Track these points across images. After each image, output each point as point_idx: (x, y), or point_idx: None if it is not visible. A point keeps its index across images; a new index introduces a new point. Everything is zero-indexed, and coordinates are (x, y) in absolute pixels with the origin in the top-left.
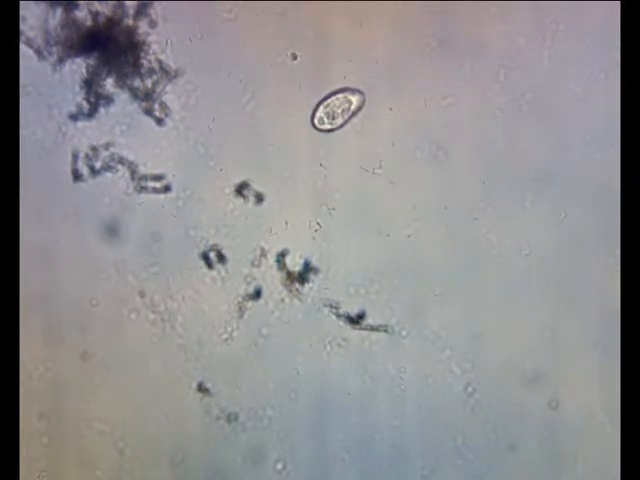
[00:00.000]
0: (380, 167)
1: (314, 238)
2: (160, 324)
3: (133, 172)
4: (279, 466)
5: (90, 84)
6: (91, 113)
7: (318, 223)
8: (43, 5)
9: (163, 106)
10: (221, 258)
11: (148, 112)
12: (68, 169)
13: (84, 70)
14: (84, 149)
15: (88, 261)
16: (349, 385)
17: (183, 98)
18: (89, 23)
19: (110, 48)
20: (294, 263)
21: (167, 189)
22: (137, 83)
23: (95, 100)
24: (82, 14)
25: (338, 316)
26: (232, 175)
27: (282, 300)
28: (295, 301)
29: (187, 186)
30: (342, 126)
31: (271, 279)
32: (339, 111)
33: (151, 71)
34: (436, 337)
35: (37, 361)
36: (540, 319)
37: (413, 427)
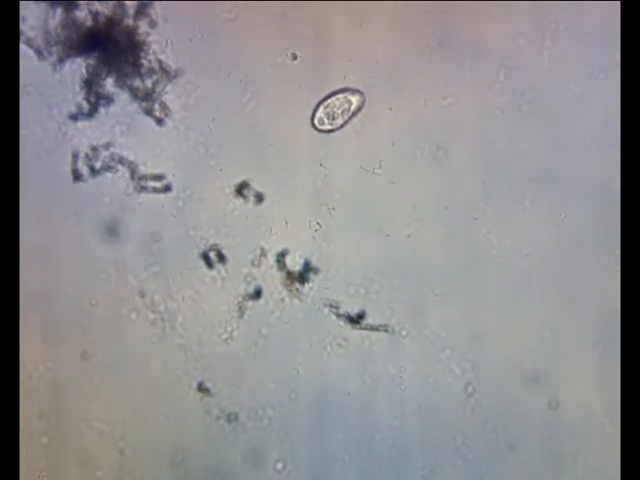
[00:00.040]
0: (380, 167)
1: (314, 238)
2: (160, 324)
3: (133, 172)
4: (279, 466)
5: (90, 84)
6: (91, 113)
7: (318, 223)
8: (43, 5)
9: (163, 106)
10: (221, 258)
11: (148, 112)
12: (68, 169)
13: (84, 70)
14: (84, 149)
15: (88, 261)
16: (349, 385)
17: (183, 98)
18: (89, 23)
19: (110, 48)
20: (294, 263)
21: (167, 189)
22: (137, 83)
23: (95, 100)
24: (82, 14)
25: (338, 316)
26: (232, 175)
27: (282, 300)
28: (295, 301)
29: (187, 186)
30: (342, 126)
31: (271, 279)
32: (339, 112)
33: (151, 71)
34: (436, 337)
35: (37, 361)
36: (540, 319)
37: (413, 427)
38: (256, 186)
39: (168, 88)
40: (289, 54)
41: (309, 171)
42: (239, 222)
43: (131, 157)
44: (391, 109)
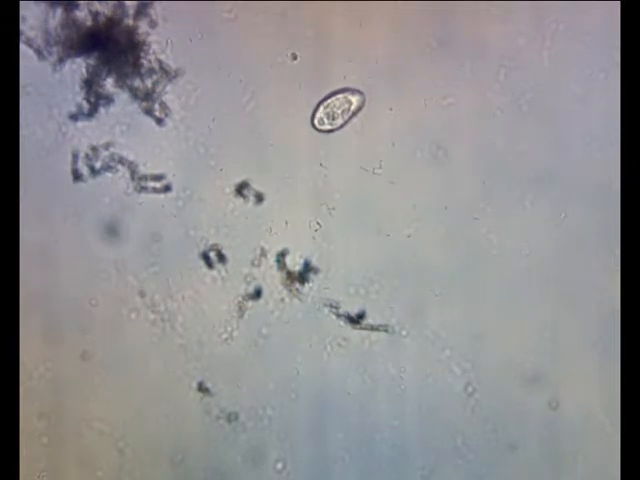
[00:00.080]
0: (380, 167)
1: (314, 238)
2: (160, 324)
3: (133, 172)
4: (279, 466)
5: (90, 84)
6: (91, 113)
7: (318, 223)
8: (43, 5)
9: (163, 106)
10: (221, 258)
11: (148, 112)
12: (68, 169)
13: (84, 70)
14: (84, 149)
15: (88, 261)
16: (349, 385)
17: (183, 98)
18: (89, 23)
19: (110, 48)
20: (294, 263)
21: (167, 189)
22: (137, 83)
23: (95, 100)
24: (82, 14)
25: (338, 316)
26: (232, 175)
27: (282, 300)
28: (295, 301)
29: (187, 186)
30: (342, 126)
31: (271, 279)
32: (339, 112)
33: (151, 71)
34: (436, 337)
35: (37, 361)
36: (540, 319)
37: (413, 427)
38: (256, 186)
39: (168, 88)
40: (289, 54)
41: (309, 171)
42: (239, 222)
43: (131, 157)
44: (391, 109)
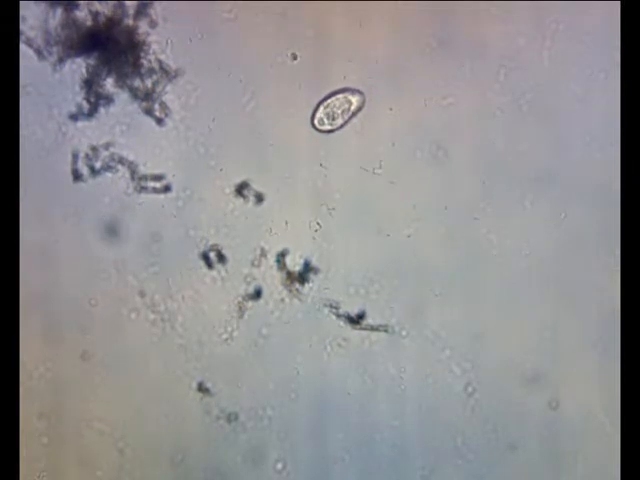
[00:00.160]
0: (380, 167)
1: (314, 238)
2: (160, 324)
3: (133, 172)
4: (279, 466)
5: (90, 84)
6: (91, 113)
7: (318, 223)
8: (43, 5)
9: (163, 106)
10: (221, 258)
11: (148, 112)
12: (68, 169)
13: (84, 70)
14: (84, 149)
15: (88, 261)
16: (349, 385)
17: (183, 98)
18: (89, 23)
19: (110, 48)
20: (294, 263)
21: (167, 189)
22: (137, 83)
23: (95, 100)
24: (82, 14)
25: (338, 316)
26: (232, 175)
27: (282, 300)
28: (295, 301)
29: (187, 186)
30: (342, 126)
31: (271, 279)
32: (339, 112)
33: (151, 71)
34: (436, 337)
35: (37, 361)
36: (540, 319)
37: (413, 427)
38: (256, 186)
39: (168, 88)
40: (289, 54)
41: (309, 171)
42: (239, 222)
43: (131, 157)
44: (391, 109)
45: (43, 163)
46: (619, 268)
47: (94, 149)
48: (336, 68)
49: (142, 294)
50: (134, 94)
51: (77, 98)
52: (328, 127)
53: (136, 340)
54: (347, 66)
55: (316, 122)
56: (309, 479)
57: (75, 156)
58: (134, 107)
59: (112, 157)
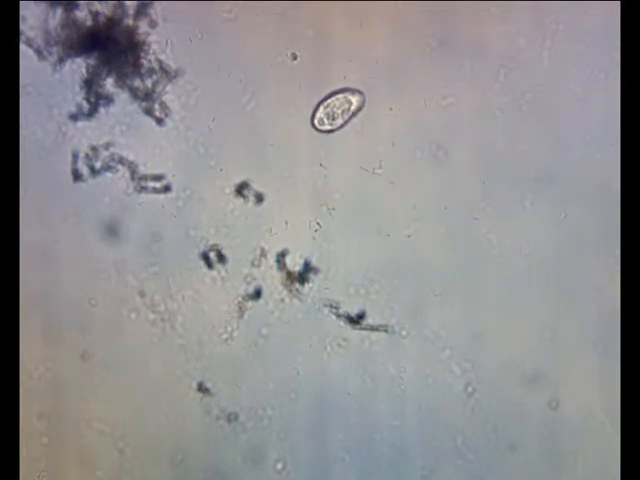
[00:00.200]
0: (380, 167)
1: (314, 238)
2: (160, 324)
3: (133, 172)
4: (279, 466)
5: (90, 84)
6: (91, 113)
7: (318, 223)
8: (43, 5)
9: (163, 106)
10: (221, 258)
11: (148, 112)
12: (68, 169)
13: (84, 70)
14: (84, 149)
15: (88, 261)
16: (349, 385)
17: (183, 98)
18: (89, 23)
19: (110, 48)
20: (294, 263)
21: (167, 189)
22: (137, 83)
23: (95, 100)
24: (82, 14)
25: (338, 316)
26: (232, 175)
27: (282, 300)
28: (295, 301)
29: (187, 186)
30: (342, 126)
31: (271, 279)
32: (339, 112)
33: (151, 71)
34: (436, 337)
35: (37, 361)
36: (540, 319)
37: (413, 427)
38: (256, 186)
39: (168, 88)
40: (289, 54)
41: (309, 171)
42: (239, 222)
43: (131, 157)
44: (391, 109)
45: (43, 163)
46: (619, 268)
47: (94, 149)
48: (336, 68)
49: (142, 294)
50: (134, 94)
51: (77, 98)
52: (328, 127)
53: (136, 340)
54: (347, 66)
55: (316, 122)
56: (309, 479)
57: (75, 156)
58: (134, 107)
59: (112, 157)
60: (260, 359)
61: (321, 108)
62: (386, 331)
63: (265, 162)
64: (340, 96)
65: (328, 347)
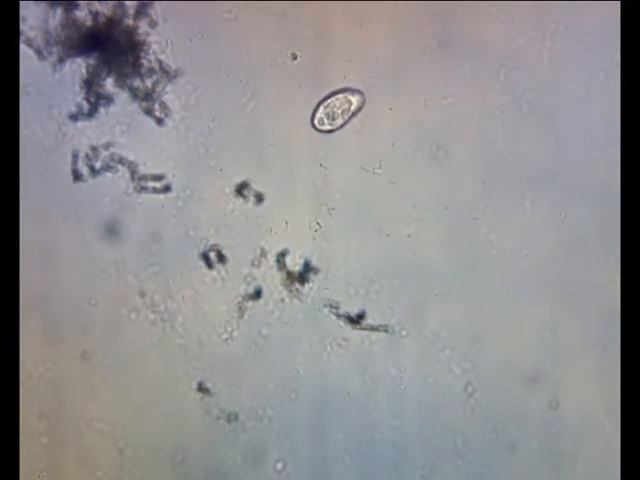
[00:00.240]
0: (380, 167)
1: (314, 238)
2: (160, 324)
3: (133, 172)
4: (279, 466)
5: (90, 84)
6: (91, 113)
7: (318, 223)
8: (43, 5)
9: (163, 106)
10: (221, 258)
11: (148, 112)
12: (68, 169)
13: (84, 70)
14: (84, 149)
15: (88, 261)
16: (349, 385)
17: (183, 98)
18: (89, 23)
19: (110, 48)
20: (294, 263)
21: (167, 189)
22: (137, 83)
23: (95, 100)
24: (82, 14)
25: (338, 316)
26: (232, 175)
27: (282, 300)
28: (295, 301)
29: (187, 186)
30: (342, 126)
31: (271, 279)
32: (339, 112)
33: (151, 71)
34: (436, 337)
35: (37, 361)
36: (540, 319)
37: (413, 427)
38: (256, 186)
39: (168, 88)
40: (289, 54)
41: (309, 171)
42: (239, 222)
43: (131, 157)
44: (391, 109)
45: (43, 163)
46: (619, 268)
47: (94, 149)
48: (336, 68)
49: (142, 294)
50: (134, 94)
51: (77, 98)
52: (328, 127)
53: (136, 340)
54: (347, 66)
55: (316, 122)
56: (309, 479)
57: (75, 156)
58: (134, 107)
59: (112, 157)
60: (260, 359)
61: (321, 108)
62: (386, 331)
63: (265, 162)
64: (340, 96)
65: (328, 347)
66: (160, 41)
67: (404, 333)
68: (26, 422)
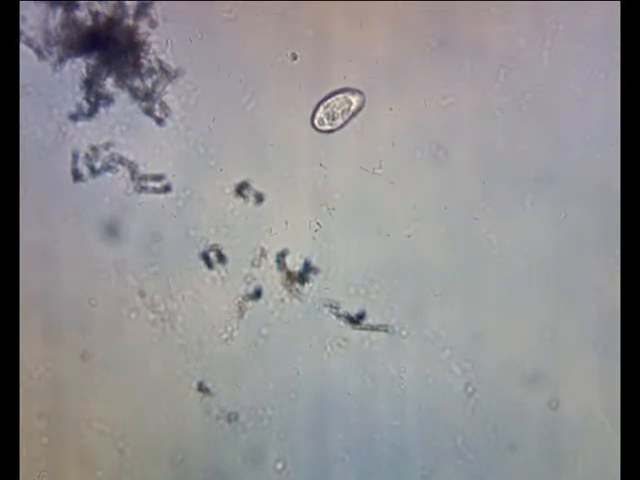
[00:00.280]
0: (380, 167)
1: (314, 238)
2: (160, 324)
3: (133, 172)
4: (279, 466)
5: (90, 84)
6: (91, 113)
7: (318, 223)
8: (43, 5)
9: (163, 106)
10: (221, 258)
11: (148, 112)
12: (68, 169)
13: (84, 70)
14: (84, 149)
15: (88, 261)
16: (349, 385)
17: (183, 98)
18: (89, 23)
19: (110, 48)
20: (294, 263)
21: (167, 189)
22: (137, 83)
23: (95, 100)
24: (82, 14)
25: (338, 316)
26: (232, 175)
27: (282, 300)
28: (295, 301)
29: (187, 186)
30: (342, 126)
31: (271, 279)
32: (339, 112)
33: (151, 71)
34: (436, 337)
35: (37, 361)
36: (540, 319)
37: (413, 427)
38: (256, 186)
39: (168, 88)
40: (289, 54)
41: (309, 171)
42: (239, 222)
43: (131, 157)
44: (391, 109)
45: (43, 163)
46: (619, 268)
47: (94, 149)
48: (336, 68)
49: (142, 294)
50: (134, 94)
51: (77, 98)
52: (328, 127)
53: (136, 340)
54: (347, 66)
55: (316, 122)
56: (309, 479)
57: (75, 156)
58: (134, 107)
59: (112, 157)
60: (260, 359)
61: (321, 108)
62: (386, 331)
63: (265, 162)
64: (340, 96)
65: (328, 347)
66: (160, 41)
67: (404, 333)
68: (26, 422)
